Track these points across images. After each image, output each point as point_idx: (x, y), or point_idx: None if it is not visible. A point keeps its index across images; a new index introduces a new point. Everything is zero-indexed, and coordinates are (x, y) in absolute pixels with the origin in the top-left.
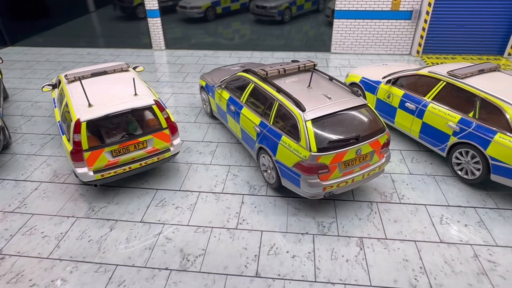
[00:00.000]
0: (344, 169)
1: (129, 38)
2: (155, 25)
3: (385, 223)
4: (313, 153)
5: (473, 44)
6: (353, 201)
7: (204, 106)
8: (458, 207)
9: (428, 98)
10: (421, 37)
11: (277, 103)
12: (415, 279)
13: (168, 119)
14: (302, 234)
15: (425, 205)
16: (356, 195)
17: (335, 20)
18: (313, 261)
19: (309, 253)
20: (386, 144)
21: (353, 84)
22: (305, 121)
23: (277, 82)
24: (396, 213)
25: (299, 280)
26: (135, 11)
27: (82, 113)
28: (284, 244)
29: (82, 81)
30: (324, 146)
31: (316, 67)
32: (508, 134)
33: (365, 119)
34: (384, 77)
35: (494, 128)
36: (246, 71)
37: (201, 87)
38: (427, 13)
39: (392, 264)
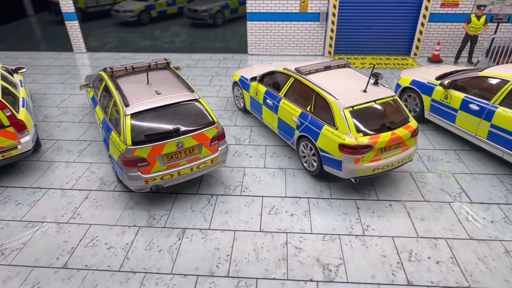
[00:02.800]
0: (168, 162)
1: (54, 41)
2: (73, 27)
3: (216, 214)
4: (128, 147)
5: (381, 44)
6: (195, 194)
7: None
8: (293, 198)
9: (281, 94)
10: (331, 38)
11: (113, 99)
12: (217, 266)
13: (11, 116)
14: (129, 226)
15: (262, 196)
16: (201, 188)
17: (248, 22)
18: (127, 252)
19: (126, 244)
20: (218, 137)
21: (235, 82)
22: (125, 116)
23: (121, 80)
24: (231, 205)
25: (104, 270)
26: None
27: None
28: (106, 236)
29: None
30: (140, 140)
31: (169, 65)
32: (331, 126)
33: (193, 113)
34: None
35: (322, 121)
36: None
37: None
38: (334, 15)
39: (203, 253)
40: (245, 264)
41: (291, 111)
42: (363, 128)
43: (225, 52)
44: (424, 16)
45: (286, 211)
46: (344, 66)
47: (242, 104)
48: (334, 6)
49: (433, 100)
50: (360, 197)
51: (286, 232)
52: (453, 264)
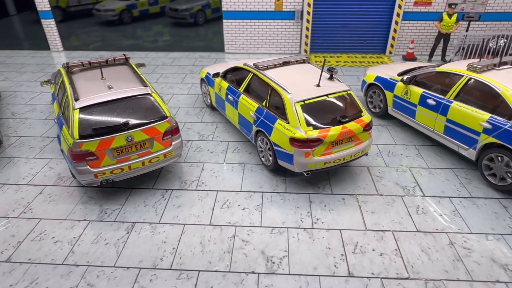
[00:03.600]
0: (117, 156)
1: (33, 40)
2: (49, 26)
3: (168, 208)
4: (75, 140)
5: (357, 43)
6: (150, 189)
7: None
8: (247, 192)
9: (240, 90)
10: (306, 36)
11: (66, 94)
12: (161, 259)
13: None
14: (79, 221)
15: (217, 191)
16: (158, 183)
17: (224, 21)
18: (73, 245)
19: (73, 238)
20: (171, 132)
21: (202, 79)
22: (74, 110)
23: (76, 75)
24: (184, 199)
25: (47, 264)
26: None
27: None
28: (54, 231)
29: None
30: (88, 133)
31: (128, 61)
32: (284, 120)
33: (145, 107)
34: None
35: (276, 116)
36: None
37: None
38: (308, 13)
39: (149, 247)
40: (190, 257)
41: (249, 106)
42: (313, 122)
43: (203, 51)
44: (398, 15)
45: (239, 205)
46: (303, 61)
47: (209, 101)
48: (309, 5)
49: (395, 96)
50: (314, 191)
51: (235, 226)
52: (396, 256)
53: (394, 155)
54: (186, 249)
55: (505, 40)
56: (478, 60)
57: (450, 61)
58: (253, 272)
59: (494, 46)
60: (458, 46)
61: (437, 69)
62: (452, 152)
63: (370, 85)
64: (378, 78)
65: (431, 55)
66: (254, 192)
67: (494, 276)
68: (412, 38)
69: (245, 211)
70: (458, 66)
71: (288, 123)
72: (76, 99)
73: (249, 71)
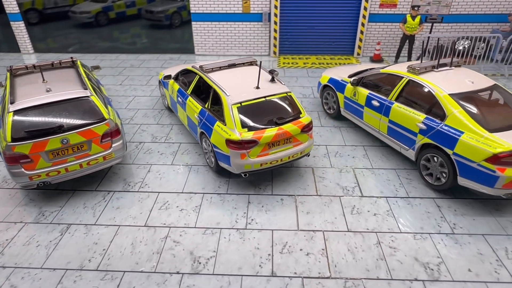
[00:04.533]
0: (53, 159)
1: (4, 43)
2: (18, 28)
3: (106, 210)
4: (8, 143)
5: (325, 45)
6: (93, 191)
7: None
8: (188, 194)
9: (188, 92)
10: (275, 38)
11: (5, 97)
12: (89, 260)
13: None
14: (15, 223)
15: (159, 192)
16: (102, 185)
17: (193, 23)
18: (4, 247)
19: (6, 240)
20: (110, 134)
21: (159, 81)
22: (8, 113)
23: (19, 78)
24: (124, 201)
25: None
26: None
27: None
28: None
29: None
30: (21, 136)
31: (75, 63)
32: (222, 122)
33: (83, 110)
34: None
35: (216, 117)
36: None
37: None
38: (275, 15)
39: (79, 248)
40: (118, 258)
41: (194, 108)
42: (249, 124)
43: (173, 53)
44: (364, 17)
45: (177, 207)
46: (251, 64)
47: (166, 103)
48: (276, 7)
49: (345, 97)
50: (255, 192)
51: (170, 227)
52: (322, 255)
53: (341, 156)
54: (116, 250)
55: (469, 42)
56: (430, 61)
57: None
58: (177, 273)
59: (460, 48)
60: (421, 48)
61: (381, 70)
62: (397, 152)
63: (325, 86)
64: (331, 80)
65: (397, 56)
66: (195, 193)
67: (413, 274)
68: (378, 40)
69: (182, 212)
70: (399, 68)
71: (225, 125)
72: (12, 102)
73: (196, 73)
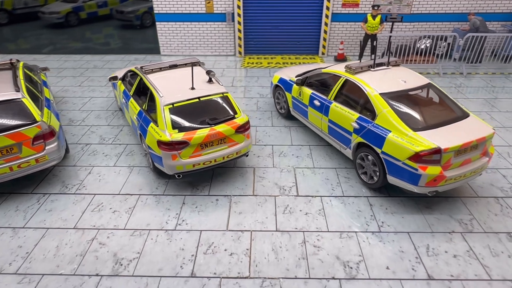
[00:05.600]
0: None
1: None
2: None
3: (38, 213)
4: None
5: (290, 44)
6: (29, 194)
7: None
8: (124, 195)
9: (131, 93)
10: (239, 38)
11: None
12: (10, 264)
13: None
14: None
15: (95, 194)
16: (39, 187)
17: (157, 23)
18: None
19: None
20: (43, 136)
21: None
22: None
23: None
24: (59, 203)
25: None
26: None
27: None
28: None
29: None
30: None
31: (14, 65)
32: (155, 123)
33: (12, 112)
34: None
35: (150, 119)
36: None
37: None
38: (239, 15)
39: (3, 251)
40: (40, 261)
41: (134, 109)
42: (181, 125)
43: (139, 53)
44: (327, 16)
45: (111, 208)
46: (194, 64)
47: (118, 104)
48: (239, 7)
49: (293, 97)
50: (192, 193)
51: (98, 229)
52: (245, 255)
53: (285, 156)
54: (40, 253)
55: (431, 41)
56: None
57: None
58: (96, 275)
59: (422, 47)
60: (385, 47)
61: (323, 70)
62: (340, 151)
63: (276, 86)
64: (280, 80)
65: (360, 55)
66: (132, 195)
67: (331, 273)
68: (342, 39)
69: (115, 214)
70: (338, 68)
71: (158, 126)
72: None
73: (138, 75)
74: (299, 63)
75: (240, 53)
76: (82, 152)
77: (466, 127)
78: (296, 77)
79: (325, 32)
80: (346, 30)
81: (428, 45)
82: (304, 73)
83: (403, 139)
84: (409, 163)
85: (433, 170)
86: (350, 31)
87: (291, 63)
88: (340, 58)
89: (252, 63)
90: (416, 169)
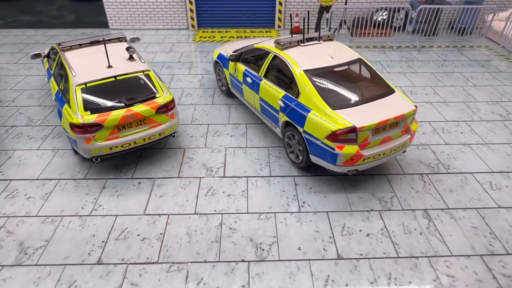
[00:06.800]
0: None
1: None
2: None
3: None
4: None
5: (245, 17)
6: None
7: None
8: (42, 180)
9: (52, 72)
10: (191, 11)
11: None
12: None
13: None
14: None
15: (11, 180)
16: None
17: None
18: None
19: None
20: None
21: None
22: None
23: None
24: None
25: None
26: None
27: None
28: None
29: None
30: None
31: None
32: (68, 105)
33: None
34: None
35: (65, 99)
36: None
37: None
38: None
39: None
40: None
41: (53, 89)
42: (94, 106)
43: (87, 27)
44: None
45: (25, 195)
46: (119, 40)
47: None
48: None
49: (230, 74)
50: (114, 176)
51: (8, 217)
52: (157, 240)
53: (219, 135)
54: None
55: (387, 13)
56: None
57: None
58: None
59: (379, 19)
60: (340, 20)
61: (255, 45)
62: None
63: (216, 62)
64: (219, 56)
65: (316, 28)
66: (50, 179)
67: (242, 255)
68: (297, 11)
69: (28, 201)
70: (268, 43)
71: (71, 107)
72: None
73: (57, 52)
74: (254, 37)
75: (193, 26)
76: (6, 135)
77: (387, 104)
78: (234, 52)
79: (280, 3)
80: (303, 1)
81: (384, 17)
82: (240, 49)
83: (322, 118)
84: (327, 142)
85: (349, 149)
86: (306, 3)
87: (246, 37)
88: (296, 31)
89: (205, 37)
90: (333, 149)
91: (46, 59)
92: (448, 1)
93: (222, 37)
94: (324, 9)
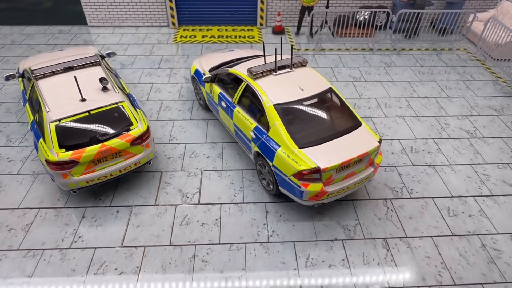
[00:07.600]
0: None
1: None
2: None
3: None
4: None
5: (227, 14)
6: None
7: None
8: (23, 209)
9: (27, 97)
10: (171, 8)
11: None
12: None
13: None
14: None
15: None
16: None
17: None
18: None
19: None
20: None
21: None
22: None
23: None
24: None
25: None
26: None
27: None
28: None
29: None
30: None
31: None
32: (43, 140)
33: None
34: None
35: (41, 134)
36: None
37: None
38: None
39: None
40: None
41: (28, 116)
42: (68, 143)
43: (65, 24)
44: None
45: (7, 226)
46: (93, 64)
47: None
48: None
49: (206, 92)
50: (93, 204)
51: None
52: (134, 274)
53: (196, 156)
54: None
55: (369, 12)
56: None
57: (316, 32)
58: None
59: (361, 19)
60: (322, 20)
61: (229, 70)
62: None
63: (193, 77)
64: (196, 72)
65: (298, 27)
66: (31, 208)
67: None
68: (279, 10)
69: (10, 232)
70: (242, 70)
71: (46, 143)
72: None
73: (31, 79)
74: (234, 42)
75: (174, 24)
76: None
77: (352, 141)
78: (209, 71)
79: (262, 2)
80: (285, 0)
81: (366, 17)
82: (216, 67)
83: (289, 156)
84: (294, 180)
85: (314, 187)
86: (289, 1)
87: (227, 37)
88: (278, 30)
89: (186, 37)
90: (300, 186)
91: (21, 78)
92: (430, 1)
93: (203, 36)
94: (306, 9)
